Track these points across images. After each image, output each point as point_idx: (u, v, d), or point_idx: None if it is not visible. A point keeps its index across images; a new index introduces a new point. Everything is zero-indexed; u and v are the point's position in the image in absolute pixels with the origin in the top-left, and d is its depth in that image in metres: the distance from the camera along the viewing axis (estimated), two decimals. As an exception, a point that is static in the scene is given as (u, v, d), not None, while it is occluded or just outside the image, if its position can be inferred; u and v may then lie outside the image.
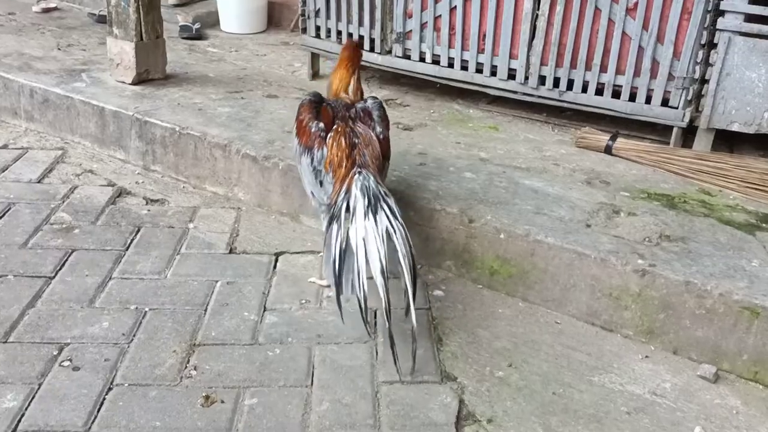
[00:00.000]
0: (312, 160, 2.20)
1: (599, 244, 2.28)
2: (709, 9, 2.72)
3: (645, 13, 2.82)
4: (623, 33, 2.89)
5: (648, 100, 2.95)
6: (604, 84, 3.02)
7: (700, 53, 2.79)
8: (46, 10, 4.98)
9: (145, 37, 3.48)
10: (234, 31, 4.75)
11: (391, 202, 2.03)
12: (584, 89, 3.06)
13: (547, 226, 2.38)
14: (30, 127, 3.58)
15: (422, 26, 3.33)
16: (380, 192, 2.04)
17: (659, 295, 2.13)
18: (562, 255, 2.28)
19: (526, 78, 3.16)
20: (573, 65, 3.04)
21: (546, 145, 3.09)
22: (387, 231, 1.96)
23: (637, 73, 2.93)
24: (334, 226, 2.01)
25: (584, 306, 2.28)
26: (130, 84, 3.53)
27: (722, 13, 2.71)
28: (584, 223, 2.42)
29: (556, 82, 3.11)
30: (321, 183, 2.20)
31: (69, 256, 2.56)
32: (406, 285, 1.94)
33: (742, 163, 2.75)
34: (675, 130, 2.96)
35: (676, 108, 2.91)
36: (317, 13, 3.64)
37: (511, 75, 3.20)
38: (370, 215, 1.97)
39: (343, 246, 1.97)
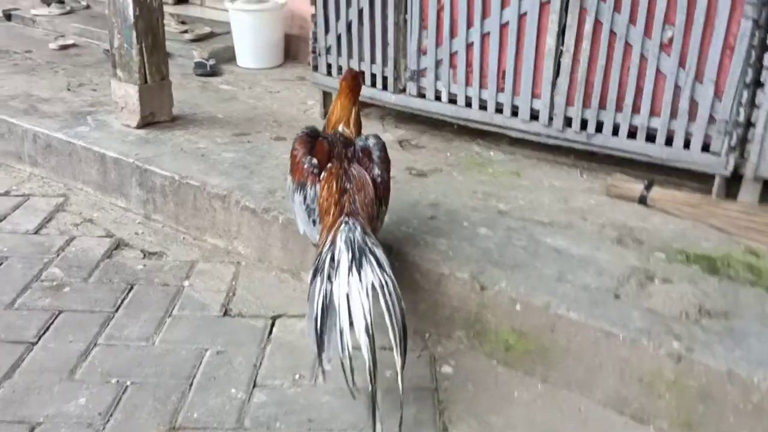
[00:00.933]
0: (305, 198, 2.09)
1: (629, 321, 1.99)
2: (755, 44, 2.41)
3: (681, 48, 2.53)
4: (657, 71, 2.61)
5: (687, 145, 2.65)
6: (637, 126, 2.73)
7: (745, 93, 2.49)
8: (64, 47, 4.92)
9: (150, 79, 3.33)
10: (250, 66, 4.60)
11: (379, 252, 1.89)
12: (615, 132, 2.78)
13: (570, 297, 2.10)
14: (34, 172, 3.46)
15: (437, 63, 3.10)
16: (366, 243, 1.89)
17: (698, 384, 1.84)
18: (587, 332, 2.00)
19: (551, 119, 2.89)
20: (602, 106, 2.76)
21: (573, 193, 2.81)
22: (373, 286, 1.82)
23: (673, 114, 2.64)
24: (317, 280, 1.87)
25: (612, 391, 1.99)
26: (134, 128, 3.38)
27: (770, 48, 2.41)
28: (612, 293, 2.13)
29: (584, 124, 2.83)
30: (314, 222, 2.08)
31: (55, 318, 2.41)
32: (394, 344, 1.79)
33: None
34: (717, 178, 2.65)
35: (718, 154, 2.60)
36: (328, 50, 3.44)
37: (534, 116, 2.93)
38: (354, 270, 1.83)
39: (326, 302, 1.84)
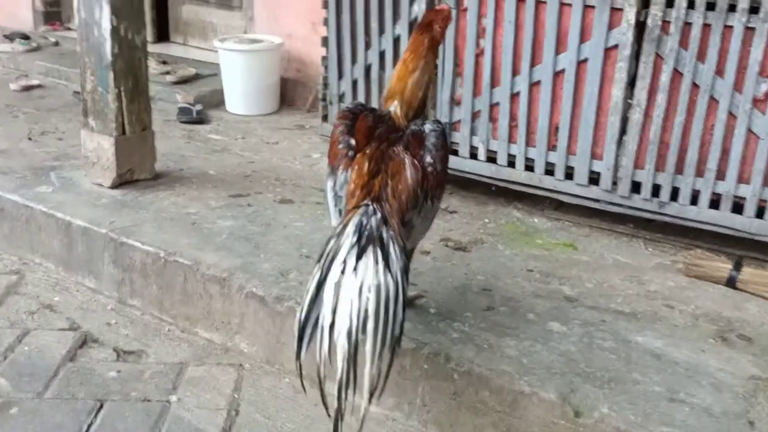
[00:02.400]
0: (334, 183, 1.79)
1: (780, 462, 1.52)
2: None
3: (781, 105, 2.13)
4: (749, 130, 2.20)
5: (782, 217, 2.24)
6: (720, 195, 2.30)
7: None
8: (26, 88, 4.35)
9: (129, 129, 2.81)
10: (241, 113, 4.09)
11: (394, 249, 1.59)
12: (694, 201, 2.34)
13: (696, 427, 1.62)
14: (-20, 241, 2.88)
15: (474, 116, 2.65)
16: (381, 234, 1.60)
17: None
18: (726, 479, 1.52)
19: (614, 184, 2.45)
20: (678, 170, 2.33)
21: (644, 272, 2.36)
22: (370, 286, 1.52)
23: (766, 182, 2.22)
24: (315, 268, 1.60)
25: None
26: (108, 187, 2.84)
27: None
28: (744, 419, 1.66)
29: (656, 191, 2.39)
30: (340, 212, 1.77)
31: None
32: (368, 362, 1.50)
33: None
34: (821, 255, 2.23)
35: (823, 227, 2.19)
36: (341, 97, 2.97)
37: (593, 179, 2.49)
38: (352, 259, 1.54)
39: (316, 293, 1.56)
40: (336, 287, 1.53)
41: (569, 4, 2.32)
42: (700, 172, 2.30)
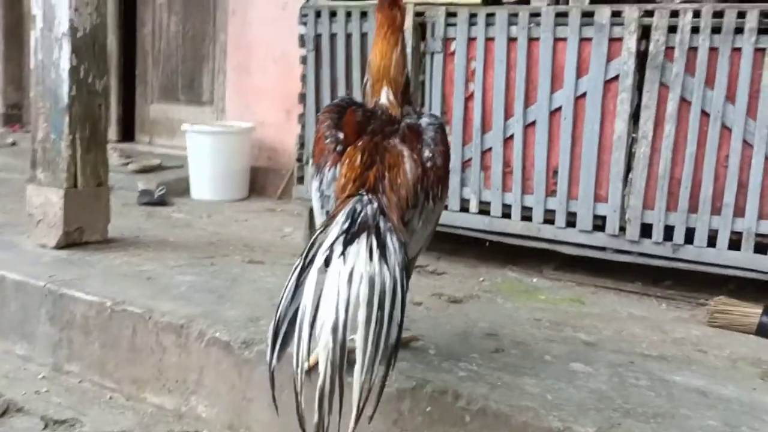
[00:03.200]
0: (321, 182, 1.56)
1: None
2: None
3: (799, 130, 1.99)
4: (766, 160, 2.04)
5: (811, 255, 2.03)
6: (741, 233, 2.10)
7: None
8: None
9: (82, 182, 2.54)
10: (208, 199, 3.86)
11: (392, 240, 1.33)
12: (711, 242, 2.13)
13: (771, 460, 1.29)
14: None
15: (464, 165, 2.46)
16: (378, 223, 1.34)
17: None
18: None
19: (622, 229, 2.23)
20: (693, 208, 2.14)
21: (664, 324, 2.09)
22: (362, 276, 1.24)
23: (791, 215, 2.04)
24: (297, 262, 1.31)
25: None
26: (53, 248, 2.51)
27: None
28: (826, 453, 1.34)
29: (668, 233, 2.18)
30: (327, 214, 1.51)
31: None
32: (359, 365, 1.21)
33: None
34: None
35: None
36: (318, 156, 2.77)
37: (598, 225, 2.28)
38: (339, 245, 1.28)
39: (296, 286, 1.28)
40: (319, 274, 1.26)
41: (564, 39, 2.23)
42: (716, 210, 2.11)
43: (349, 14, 2.65)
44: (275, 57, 4.16)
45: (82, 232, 2.57)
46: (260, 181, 4.17)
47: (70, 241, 2.53)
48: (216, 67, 4.57)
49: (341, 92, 2.69)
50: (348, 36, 2.66)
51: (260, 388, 1.78)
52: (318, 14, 2.75)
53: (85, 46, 2.46)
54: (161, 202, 3.66)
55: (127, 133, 5.10)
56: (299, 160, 2.84)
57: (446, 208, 2.49)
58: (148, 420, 1.88)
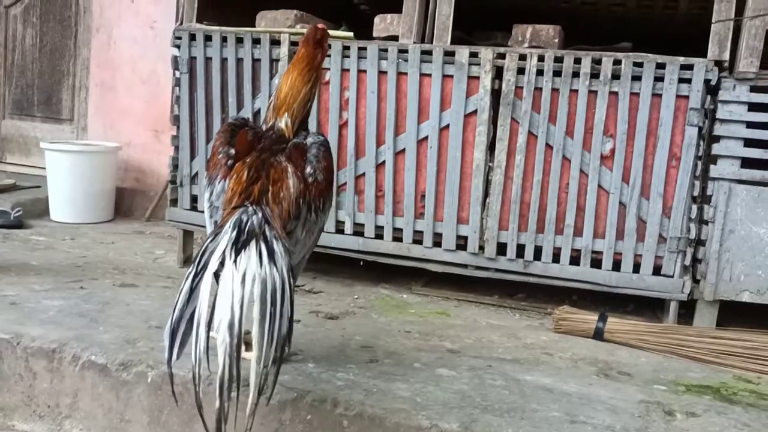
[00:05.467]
0: (211, 194, 1.69)
1: (694, 465, 1.46)
2: (700, 155, 2.28)
3: (624, 161, 2.33)
4: (599, 187, 2.36)
5: (636, 269, 2.36)
6: (580, 250, 2.40)
7: (694, 208, 2.30)
8: None
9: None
10: (69, 221, 3.72)
11: (279, 246, 1.46)
12: (556, 258, 2.42)
13: (604, 442, 1.53)
14: None
15: (339, 189, 2.60)
16: (264, 231, 1.48)
17: None
18: (647, 487, 1.41)
19: (481, 248, 2.47)
20: (540, 229, 2.42)
21: (519, 331, 2.34)
22: (254, 277, 1.38)
23: (619, 235, 2.36)
24: (190, 268, 1.42)
25: None
26: None
27: (715, 159, 2.28)
28: (648, 433, 1.60)
29: (520, 251, 2.45)
30: (215, 224, 1.65)
31: None
32: (254, 359, 1.34)
33: (775, 340, 2.16)
34: (672, 304, 2.36)
35: (671, 276, 2.33)
36: (194, 178, 2.81)
37: (461, 245, 2.50)
38: (231, 252, 1.40)
39: (189, 291, 1.38)
40: (214, 278, 1.36)
41: (429, 75, 2.45)
42: (559, 230, 2.40)
43: (225, 39, 2.72)
44: (143, 76, 4.11)
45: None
46: (127, 203, 4.08)
47: None
48: (77, 84, 4.42)
49: (216, 115, 2.74)
50: (224, 60, 2.73)
51: (139, 409, 1.80)
52: (193, 37, 2.79)
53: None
54: (18, 224, 3.48)
55: (-26, 150, 4.78)
56: (173, 182, 2.84)
57: (322, 230, 2.62)
58: (18, 447, 1.83)
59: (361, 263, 2.71)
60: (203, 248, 1.45)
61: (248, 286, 1.36)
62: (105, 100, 4.24)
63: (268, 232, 1.48)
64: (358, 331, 2.18)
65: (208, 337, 1.33)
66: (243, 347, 1.64)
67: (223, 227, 1.48)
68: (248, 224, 1.47)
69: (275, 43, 2.64)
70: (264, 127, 1.75)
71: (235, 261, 1.38)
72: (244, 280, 1.36)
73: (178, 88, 2.83)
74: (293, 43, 2.62)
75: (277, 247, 1.46)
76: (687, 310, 2.42)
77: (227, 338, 1.31)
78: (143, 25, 4.09)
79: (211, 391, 1.38)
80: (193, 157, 2.80)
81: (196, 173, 2.80)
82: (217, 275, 1.37)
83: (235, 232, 1.44)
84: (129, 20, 4.13)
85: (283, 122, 1.73)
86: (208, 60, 2.77)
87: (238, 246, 1.41)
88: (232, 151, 1.68)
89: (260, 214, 1.51)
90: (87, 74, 4.33)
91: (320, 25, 1.79)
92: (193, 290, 1.37)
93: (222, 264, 1.38)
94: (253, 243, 1.43)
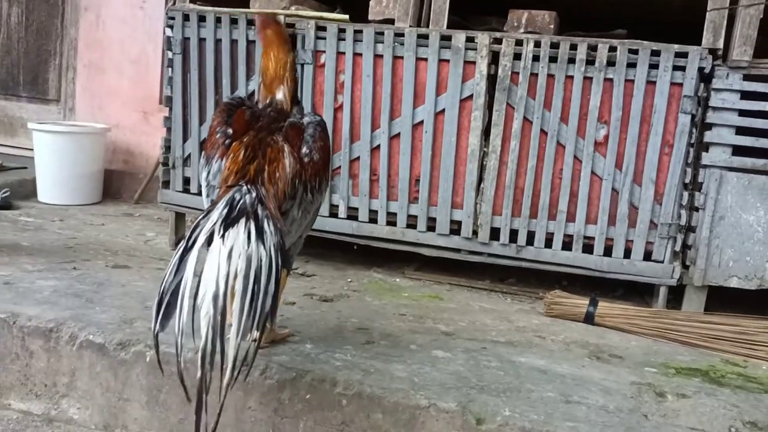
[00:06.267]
0: (208, 173, 1.71)
1: (686, 444, 1.50)
2: (692, 142, 2.31)
3: (617, 148, 2.35)
4: (592, 173, 2.38)
5: (627, 254, 2.39)
6: (572, 236, 2.43)
7: (685, 195, 2.34)
8: None
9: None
10: (57, 202, 3.68)
11: (269, 226, 1.48)
12: (548, 243, 2.45)
13: (597, 421, 1.56)
14: None
15: (333, 173, 2.60)
16: (254, 208, 1.49)
17: None
18: (641, 465, 1.45)
19: (474, 232, 2.49)
20: (533, 214, 2.44)
21: (511, 315, 2.36)
22: (242, 252, 1.41)
23: (611, 221, 2.39)
24: (181, 243, 1.45)
25: None
26: None
27: (707, 147, 2.31)
28: (639, 413, 1.64)
29: (513, 236, 2.47)
30: (212, 203, 1.62)
31: None
32: (234, 331, 1.36)
33: (762, 326, 2.20)
34: (662, 289, 2.39)
35: (662, 262, 2.37)
36: (186, 160, 2.79)
37: (454, 230, 2.52)
38: (220, 228, 1.43)
39: (177, 265, 1.41)
40: (200, 253, 1.40)
41: (425, 59, 2.45)
42: (552, 215, 2.42)
43: (219, 20, 2.70)
44: (132, 57, 4.07)
45: None
46: (115, 185, 4.04)
47: None
48: (65, 64, 4.36)
49: (210, 97, 2.73)
50: (218, 41, 2.71)
51: (137, 388, 1.81)
52: (186, 17, 2.76)
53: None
54: (5, 205, 3.45)
55: (-42, 131, 4.70)
56: (165, 164, 2.83)
57: (315, 212, 2.63)
58: (14, 426, 1.82)
59: (355, 247, 2.72)
60: (195, 224, 1.47)
61: (234, 262, 1.38)
62: (93, 81, 4.19)
63: (260, 211, 1.49)
64: (353, 314, 2.19)
65: (193, 309, 1.36)
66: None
67: (215, 205, 1.50)
68: (240, 202, 1.49)
69: (270, 24, 2.62)
70: (260, 106, 1.76)
71: (222, 236, 1.41)
72: (231, 255, 1.38)
73: (170, 69, 2.81)
74: (289, 25, 2.60)
75: (268, 227, 1.47)
76: (675, 296, 2.46)
77: (211, 310, 1.33)
78: (132, 5, 4.04)
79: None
80: (185, 138, 2.78)
81: (189, 155, 2.78)
82: (203, 250, 1.40)
83: (226, 210, 1.46)
84: (118, 0, 4.08)
85: (281, 93, 1.76)
86: (201, 41, 2.75)
87: (227, 222, 1.43)
88: (230, 130, 1.69)
89: (254, 193, 1.53)
90: (74, 54, 4.27)
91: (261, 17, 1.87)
92: (181, 264, 1.39)
93: (210, 239, 1.41)
94: (242, 221, 1.45)
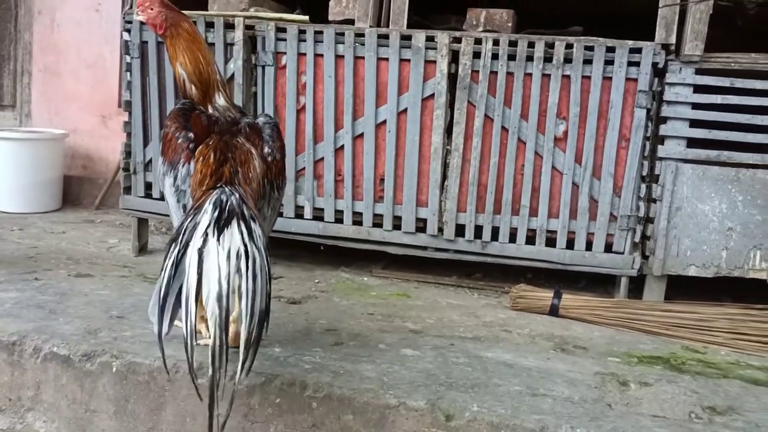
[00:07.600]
0: (175, 178, 1.70)
1: (647, 430, 1.54)
2: (648, 136, 2.37)
3: (576, 143, 2.40)
4: (553, 168, 2.43)
5: (589, 246, 2.44)
6: (535, 230, 2.47)
7: (643, 187, 2.39)
8: None
9: None
10: (14, 210, 3.61)
11: (255, 225, 1.52)
12: (512, 239, 2.48)
13: (563, 413, 1.60)
14: None
15: (297, 174, 2.60)
16: (241, 209, 1.52)
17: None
18: (606, 454, 1.49)
19: (440, 230, 2.52)
20: (497, 210, 2.47)
21: (478, 310, 2.40)
22: (238, 253, 1.45)
23: (573, 215, 2.44)
24: (171, 247, 1.49)
25: None
26: None
27: (663, 140, 2.37)
28: (603, 403, 1.68)
29: (478, 232, 2.50)
30: (184, 208, 1.68)
31: None
32: (244, 332, 1.43)
33: (720, 312, 2.27)
34: (623, 280, 2.45)
35: (622, 253, 2.43)
36: (147, 165, 2.76)
37: (420, 228, 2.54)
38: (214, 230, 1.47)
39: (175, 269, 1.46)
40: (199, 254, 1.43)
41: (386, 59, 2.46)
42: (515, 210, 2.46)
43: (177, 24, 2.67)
44: (89, 61, 4.00)
45: None
46: (75, 191, 3.98)
47: None
48: (19, 69, 4.26)
49: (170, 100, 2.70)
50: (177, 45, 2.68)
51: (105, 399, 1.79)
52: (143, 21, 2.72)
53: None
54: (-40, 215, 3.37)
55: None
56: (126, 169, 2.79)
57: (281, 215, 2.62)
58: (-23, 443, 1.80)
59: (322, 248, 2.73)
60: (182, 227, 1.49)
61: (233, 262, 1.42)
62: (49, 86, 4.10)
63: (246, 212, 1.52)
64: (321, 315, 2.20)
65: (197, 309, 1.40)
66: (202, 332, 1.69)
67: (201, 207, 1.51)
68: (228, 204, 1.50)
69: (229, 27, 2.61)
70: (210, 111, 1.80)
71: (218, 239, 1.44)
72: (230, 256, 1.42)
73: (129, 73, 2.77)
74: (248, 27, 2.59)
75: (255, 227, 1.51)
76: (636, 285, 2.51)
77: (216, 310, 1.38)
78: (88, 7, 3.97)
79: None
80: (146, 143, 2.75)
81: (150, 160, 2.75)
82: (200, 252, 1.42)
83: (216, 212, 1.48)
84: (73, 3, 4.00)
85: (222, 98, 1.80)
86: (159, 44, 2.71)
87: (221, 224, 1.46)
88: (191, 134, 1.70)
89: (237, 195, 1.55)
90: (29, 59, 4.18)
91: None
92: (178, 266, 1.43)
93: (205, 242, 1.43)
94: (234, 222, 1.48)
